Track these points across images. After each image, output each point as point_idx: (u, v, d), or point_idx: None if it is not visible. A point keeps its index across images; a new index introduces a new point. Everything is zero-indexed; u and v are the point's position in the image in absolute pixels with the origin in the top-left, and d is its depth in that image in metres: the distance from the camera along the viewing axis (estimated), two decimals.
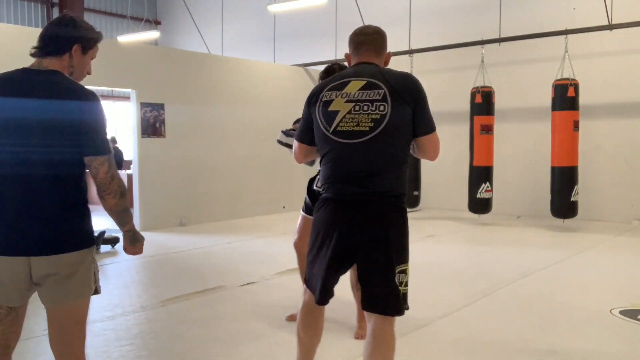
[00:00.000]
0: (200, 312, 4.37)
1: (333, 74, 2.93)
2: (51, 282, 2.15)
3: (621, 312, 4.26)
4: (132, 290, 5.05)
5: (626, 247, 7.00)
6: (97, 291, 2.29)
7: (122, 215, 2.24)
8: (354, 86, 2.46)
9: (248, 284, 5.22)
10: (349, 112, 2.43)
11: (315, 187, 3.70)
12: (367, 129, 2.40)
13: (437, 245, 7.17)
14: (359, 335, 3.64)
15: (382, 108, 2.40)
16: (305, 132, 2.63)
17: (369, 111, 2.40)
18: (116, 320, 4.16)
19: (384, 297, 2.42)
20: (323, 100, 2.51)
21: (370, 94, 2.43)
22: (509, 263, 6.06)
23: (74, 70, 2.26)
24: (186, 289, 5.02)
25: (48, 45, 2.21)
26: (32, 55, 2.25)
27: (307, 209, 3.83)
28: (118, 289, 5.11)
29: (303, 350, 2.71)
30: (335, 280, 2.57)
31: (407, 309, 2.48)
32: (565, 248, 6.85)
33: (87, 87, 2.22)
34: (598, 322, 4.10)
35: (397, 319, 2.47)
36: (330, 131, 2.47)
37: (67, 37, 2.22)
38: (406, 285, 2.45)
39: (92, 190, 2.21)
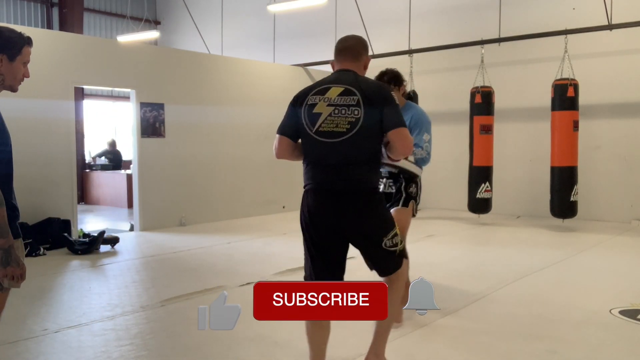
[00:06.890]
0: None
1: (382, 78, 3.89)
2: None
3: (621, 312, 4.26)
4: (132, 290, 5.04)
5: (626, 247, 7.00)
6: None
7: None
8: (334, 92, 2.80)
9: (248, 284, 5.22)
10: (330, 115, 2.77)
11: None
12: (345, 130, 2.75)
13: (437, 245, 7.16)
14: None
15: (356, 112, 2.75)
16: (289, 126, 2.89)
17: (346, 114, 2.75)
18: (116, 320, 4.16)
19: (383, 263, 2.89)
20: (308, 103, 2.83)
21: (347, 99, 2.77)
22: (508, 263, 6.06)
23: (4, 78, 2.36)
24: (186, 289, 5.02)
25: None
26: None
27: None
28: (118, 289, 5.11)
29: (313, 346, 2.89)
30: (329, 268, 2.82)
31: (406, 257, 3.03)
32: (565, 248, 6.85)
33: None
34: (598, 322, 4.10)
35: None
36: (314, 131, 2.80)
37: None
38: (401, 243, 2.92)
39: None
